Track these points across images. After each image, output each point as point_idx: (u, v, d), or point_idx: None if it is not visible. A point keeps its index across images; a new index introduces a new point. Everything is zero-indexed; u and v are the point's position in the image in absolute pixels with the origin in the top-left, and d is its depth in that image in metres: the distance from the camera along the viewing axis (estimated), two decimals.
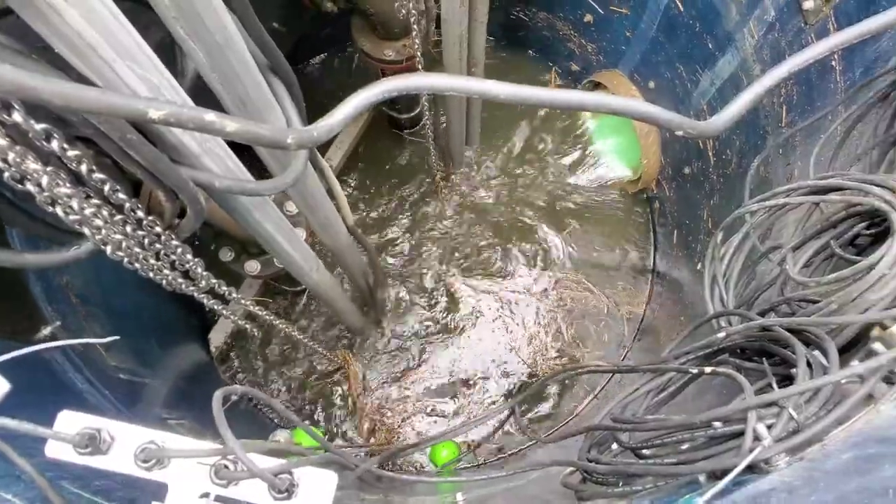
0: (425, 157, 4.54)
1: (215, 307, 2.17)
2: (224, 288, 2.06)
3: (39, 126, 1.00)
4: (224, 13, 1.22)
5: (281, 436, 2.65)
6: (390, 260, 4.69)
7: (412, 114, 4.47)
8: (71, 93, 0.83)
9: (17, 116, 0.94)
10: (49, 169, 1.11)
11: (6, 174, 1.04)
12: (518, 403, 2.22)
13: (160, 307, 3.60)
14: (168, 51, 1.54)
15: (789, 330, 1.54)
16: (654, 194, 4.69)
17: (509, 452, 4.14)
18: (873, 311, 1.45)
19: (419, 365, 4.46)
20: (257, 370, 4.43)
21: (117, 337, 1.70)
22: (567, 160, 4.89)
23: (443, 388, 4.41)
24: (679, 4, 3.44)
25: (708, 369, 1.63)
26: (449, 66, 3.29)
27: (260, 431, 3.86)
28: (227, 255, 3.18)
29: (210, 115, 0.93)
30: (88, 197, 1.24)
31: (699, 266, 3.77)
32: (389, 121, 4.75)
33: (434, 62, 3.41)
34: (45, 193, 1.13)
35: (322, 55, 5.17)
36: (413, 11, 2.69)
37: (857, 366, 1.27)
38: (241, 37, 1.34)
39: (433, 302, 4.62)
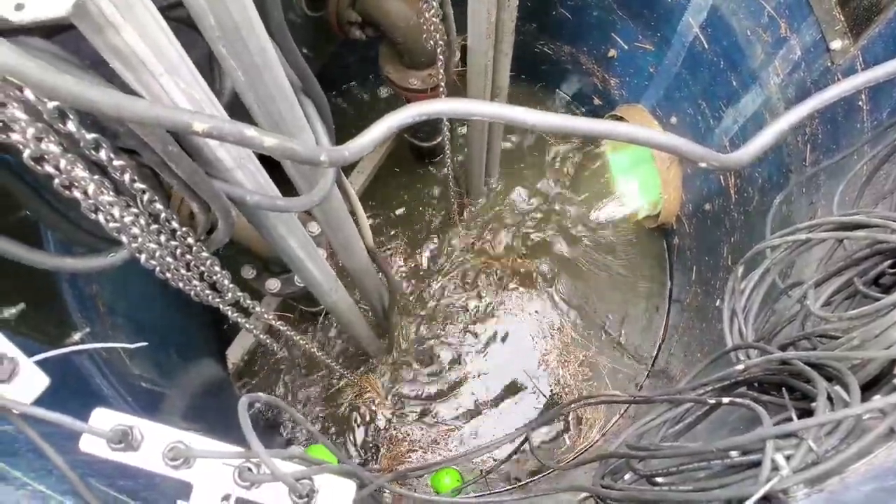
0: (444, 187, 4.58)
1: (238, 320, 2.20)
2: (248, 301, 2.10)
3: (90, 136, 1.05)
4: (265, 37, 1.28)
5: (295, 452, 2.66)
6: (403, 286, 4.72)
7: (433, 143, 4.50)
8: (124, 103, 0.87)
9: (71, 126, 0.99)
10: (95, 177, 1.15)
11: (56, 181, 1.09)
12: (532, 430, 2.22)
13: (181, 321, 3.65)
14: (206, 70, 1.60)
15: (809, 364, 1.53)
16: (672, 230, 4.69)
17: (523, 482, 4.11)
18: None
19: (434, 391, 4.48)
20: (273, 387, 4.46)
21: (145, 343, 1.74)
22: (585, 194, 4.93)
23: (456, 414, 4.41)
24: (704, 41, 3.48)
25: (726, 400, 1.63)
26: (473, 96, 3.35)
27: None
28: (249, 272, 3.23)
29: (250, 130, 0.97)
30: (128, 206, 1.28)
31: (718, 303, 3.74)
32: (411, 149, 4.80)
33: (458, 91, 3.47)
34: (90, 200, 1.17)
35: (349, 82, 5.27)
36: (440, 42, 2.76)
37: (878, 400, 1.26)
38: (278, 60, 1.39)
39: (446, 332, 4.65)
